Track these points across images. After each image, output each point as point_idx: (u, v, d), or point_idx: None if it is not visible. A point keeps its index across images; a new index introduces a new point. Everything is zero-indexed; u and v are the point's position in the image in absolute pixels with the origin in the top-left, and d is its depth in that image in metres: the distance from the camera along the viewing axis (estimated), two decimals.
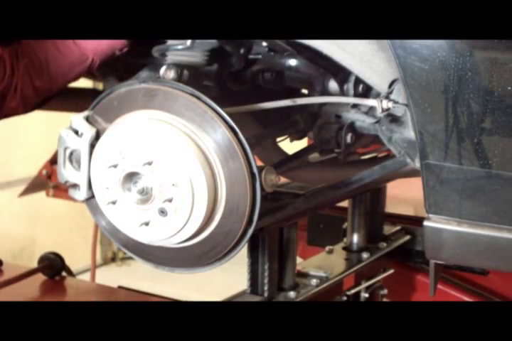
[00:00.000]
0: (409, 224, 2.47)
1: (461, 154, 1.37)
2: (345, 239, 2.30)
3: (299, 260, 2.07)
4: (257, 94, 1.81)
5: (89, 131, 1.59)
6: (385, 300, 2.37)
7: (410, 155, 1.63)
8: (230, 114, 1.48)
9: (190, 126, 1.50)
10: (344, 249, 2.26)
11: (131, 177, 1.52)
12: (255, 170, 1.50)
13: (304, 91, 1.94)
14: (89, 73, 1.78)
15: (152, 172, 1.49)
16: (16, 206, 4.15)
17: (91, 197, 1.63)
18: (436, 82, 1.34)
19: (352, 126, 1.84)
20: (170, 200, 1.49)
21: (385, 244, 2.30)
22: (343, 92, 1.77)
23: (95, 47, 1.64)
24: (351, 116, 1.83)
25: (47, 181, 3.30)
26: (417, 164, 1.47)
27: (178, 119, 1.50)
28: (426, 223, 1.45)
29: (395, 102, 1.53)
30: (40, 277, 2.41)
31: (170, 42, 1.67)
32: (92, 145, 1.59)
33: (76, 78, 1.74)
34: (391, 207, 2.52)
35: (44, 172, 3.27)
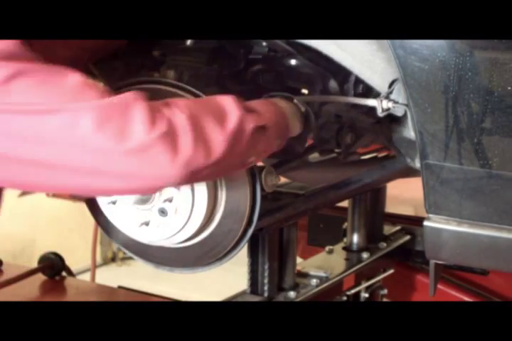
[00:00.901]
0: (409, 224, 2.46)
1: (461, 154, 1.37)
2: (345, 239, 2.30)
3: (299, 260, 2.07)
4: (257, 94, 1.80)
5: None
6: (385, 300, 2.37)
7: (410, 155, 1.63)
8: None
9: None
10: (344, 249, 2.26)
11: None
12: (255, 170, 1.50)
13: (304, 91, 1.94)
14: (84, 70, 1.77)
15: None
16: (16, 206, 4.14)
17: (91, 197, 1.63)
18: (436, 82, 1.33)
19: (352, 126, 1.84)
20: (170, 200, 1.49)
21: (385, 244, 2.30)
22: (343, 92, 1.77)
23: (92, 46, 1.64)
24: (351, 116, 1.83)
25: None
26: (417, 164, 1.47)
27: None
28: (426, 223, 1.45)
29: (395, 102, 1.53)
30: (40, 277, 2.41)
31: (170, 42, 1.67)
32: None
33: None
34: (391, 207, 2.52)
35: None
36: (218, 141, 1.26)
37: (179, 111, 1.24)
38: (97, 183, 1.22)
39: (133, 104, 1.20)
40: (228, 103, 1.34)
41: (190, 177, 1.23)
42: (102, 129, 1.16)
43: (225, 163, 1.30)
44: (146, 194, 1.45)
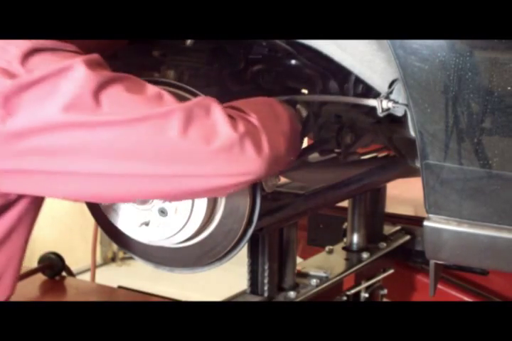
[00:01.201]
0: (409, 224, 2.47)
1: (461, 154, 1.37)
2: (345, 239, 2.30)
3: (299, 260, 2.07)
4: (257, 94, 1.81)
5: None
6: (385, 300, 2.37)
7: (410, 155, 1.62)
8: None
9: None
10: (344, 249, 2.26)
11: None
12: None
13: (304, 91, 1.94)
14: None
15: None
16: None
17: None
18: (436, 82, 1.33)
19: (352, 126, 1.84)
20: None
21: (385, 244, 2.30)
22: (343, 92, 1.77)
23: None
24: (351, 116, 1.83)
25: None
26: (417, 164, 1.47)
27: None
28: (426, 223, 1.45)
29: (395, 102, 1.53)
30: (40, 277, 2.41)
31: (170, 42, 1.67)
32: None
33: None
34: (391, 207, 2.52)
35: None
36: (280, 139, 1.34)
37: (249, 113, 1.31)
38: (186, 186, 1.25)
39: (213, 106, 1.25)
40: (277, 103, 1.46)
41: (268, 173, 1.30)
42: (190, 130, 1.19)
43: (282, 161, 1.37)
44: (228, 193, 1.45)
